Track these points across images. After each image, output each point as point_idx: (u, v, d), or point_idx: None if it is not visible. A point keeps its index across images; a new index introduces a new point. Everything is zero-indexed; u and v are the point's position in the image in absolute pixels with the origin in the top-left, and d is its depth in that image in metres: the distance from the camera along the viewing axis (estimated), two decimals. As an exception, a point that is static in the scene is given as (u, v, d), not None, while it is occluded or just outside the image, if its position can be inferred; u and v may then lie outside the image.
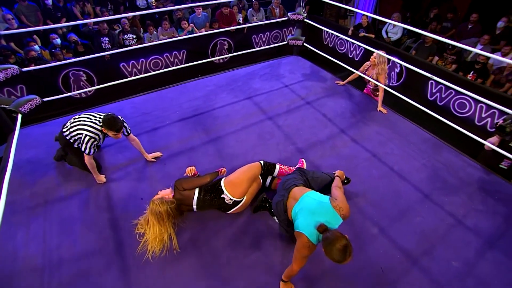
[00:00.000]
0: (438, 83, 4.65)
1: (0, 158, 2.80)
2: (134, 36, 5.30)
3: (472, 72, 4.93)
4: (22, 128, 2.97)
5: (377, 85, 3.50)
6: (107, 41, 5.26)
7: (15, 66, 2.61)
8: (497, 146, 2.66)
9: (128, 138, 2.53)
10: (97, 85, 4.80)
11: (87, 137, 2.25)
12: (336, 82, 4.00)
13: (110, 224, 2.20)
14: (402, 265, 2.05)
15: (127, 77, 4.94)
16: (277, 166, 2.41)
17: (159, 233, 2.00)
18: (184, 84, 3.91)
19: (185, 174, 2.32)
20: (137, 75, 5.03)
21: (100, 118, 2.33)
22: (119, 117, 2.34)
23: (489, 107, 4.09)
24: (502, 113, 4.00)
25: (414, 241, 2.20)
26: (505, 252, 2.13)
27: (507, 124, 2.49)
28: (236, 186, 2.17)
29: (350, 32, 5.93)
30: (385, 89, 3.43)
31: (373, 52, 3.46)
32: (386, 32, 6.18)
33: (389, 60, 5.03)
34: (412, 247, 2.16)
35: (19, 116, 2.58)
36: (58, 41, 5.04)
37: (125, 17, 5.23)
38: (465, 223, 2.34)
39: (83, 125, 2.29)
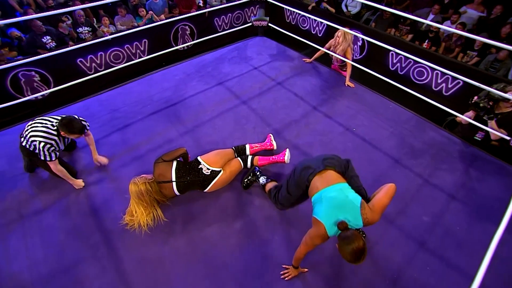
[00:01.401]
0: (398, 53, 4.91)
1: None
2: (90, 29, 4.90)
3: (427, 41, 5.26)
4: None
5: (343, 61, 3.63)
6: (50, 40, 4.77)
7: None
8: (473, 120, 2.93)
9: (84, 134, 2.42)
10: (53, 85, 4.45)
11: (42, 144, 2.12)
12: (303, 60, 4.06)
13: (97, 228, 2.15)
14: (382, 226, 2.24)
15: (87, 73, 4.65)
16: (247, 145, 2.64)
17: (144, 210, 2.09)
18: (150, 76, 3.75)
19: None
20: (97, 70, 4.75)
21: (55, 122, 2.20)
22: (75, 116, 2.25)
23: (443, 73, 4.42)
24: (454, 78, 4.36)
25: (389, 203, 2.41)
26: (463, 201, 2.43)
27: (480, 101, 2.75)
28: (212, 159, 2.33)
29: (309, 8, 5.95)
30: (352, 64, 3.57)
31: (336, 28, 3.54)
32: (346, 6, 6.30)
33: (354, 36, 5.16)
34: (389, 209, 2.32)
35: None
36: (-3, 38, 4.53)
37: (78, 9, 4.77)
38: (431, 181, 2.60)
39: (36, 131, 2.14)
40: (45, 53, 3.11)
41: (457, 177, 2.64)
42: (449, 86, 4.48)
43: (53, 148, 2.17)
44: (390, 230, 2.23)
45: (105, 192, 2.40)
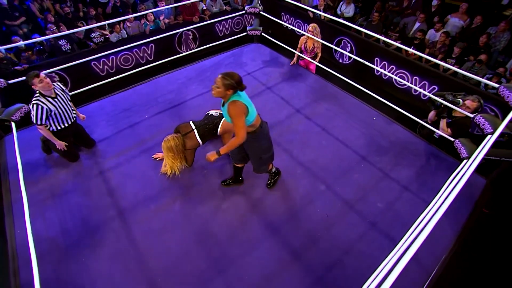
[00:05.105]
0: (382, 59, 5.35)
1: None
2: (100, 34, 5.43)
3: (412, 47, 5.67)
4: (8, 135, 3.28)
5: (314, 56, 4.22)
6: (65, 42, 5.34)
7: (2, 80, 2.89)
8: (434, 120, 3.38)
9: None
10: (70, 84, 5.02)
11: (35, 106, 2.55)
12: (290, 64, 4.54)
13: (113, 205, 2.70)
14: (342, 210, 2.75)
15: (100, 74, 5.21)
16: None
17: (173, 160, 2.75)
18: (157, 79, 4.28)
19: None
20: (109, 72, 5.30)
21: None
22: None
23: (421, 79, 4.87)
24: (431, 84, 4.81)
25: (352, 192, 2.91)
26: (414, 192, 2.91)
27: (437, 100, 3.19)
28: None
29: (311, 15, 6.34)
30: (338, 67, 4.12)
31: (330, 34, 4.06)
32: (340, 12, 6.71)
33: (339, 41, 5.62)
34: (350, 197, 2.87)
35: (13, 124, 2.90)
36: (22, 43, 5.08)
37: (97, 24, 5.31)
38: (390, 175, 3.08)
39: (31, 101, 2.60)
40: (66, 57, 3.64)
41: (413, 172, 3.12)
42: (427, 91, 4.91)
43: (45, 110, 2.60)
44: (349, 213, 2.73)
45: (118, 177, 2.95)
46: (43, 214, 2.62)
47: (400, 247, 2.10)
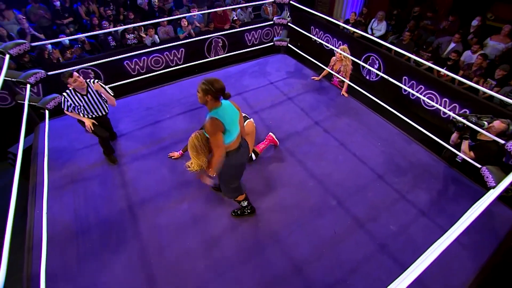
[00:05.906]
0: (410, 79, 5.18)
1: (29, 147, 3.39)
2: (134, 36, 5.77)
3: (444, 68, 5.43)
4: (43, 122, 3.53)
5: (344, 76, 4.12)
6: (111, 39, 5.75)
7: (43, 71, 3.15)
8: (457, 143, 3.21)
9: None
10: (103, 80, 5.35)
11: (63, 97, 2.86)
12: (312, 78, 4.51)
13: (124, 198, 2.81)
14: (351, 228, 2.65)
15: (131, 74, 5.51)
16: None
17: (196, 156, 2.58)
18: (182, 82, 4.44)
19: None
20: (139, 72, 5.59)
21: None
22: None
23: (451, 101, 4.64)
24: (461, 107, 4.56)
25: (364, 211, 2.79)
26: (432, 218, 2.73)
27: (458, 121, 3.03)
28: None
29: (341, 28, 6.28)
30: (364, 84, 4.01)
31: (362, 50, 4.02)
32: (372, 29, 6.63)
33: (367, 57, 5.53)
34: (362, 215, 2.75)
35: (47, 112, 3.13)
36: (67, 41, 5.53)
37: (134, 25, 5.67)
38: (407, 197, 2.93)
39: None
40: (100, 55, 3.90)
41: (432, 196, 2.94)
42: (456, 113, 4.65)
43: (68, 102, 2.88)
44: (358, 232, 2.62)
45: (133, 172, 3.07)
46: (61, 198, 2.78)
47: (409, 273, 1.97)
